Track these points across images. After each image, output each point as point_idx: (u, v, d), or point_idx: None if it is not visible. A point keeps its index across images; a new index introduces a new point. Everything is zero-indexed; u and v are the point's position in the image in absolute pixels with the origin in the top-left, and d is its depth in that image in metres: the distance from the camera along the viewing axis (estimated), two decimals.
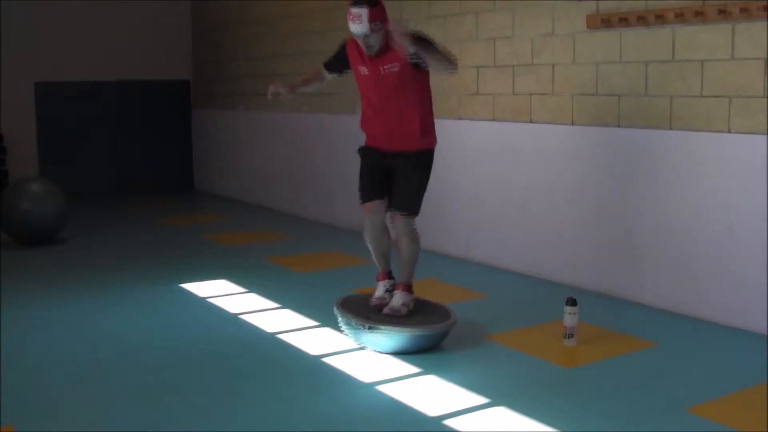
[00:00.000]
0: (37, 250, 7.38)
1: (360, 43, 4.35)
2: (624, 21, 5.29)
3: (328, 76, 4.85)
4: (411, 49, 4.21)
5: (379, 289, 4.68)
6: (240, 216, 9.57)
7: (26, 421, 3.55)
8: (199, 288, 5.94)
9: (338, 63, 4.70)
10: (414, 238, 4.58)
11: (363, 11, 4.22)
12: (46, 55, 10.78)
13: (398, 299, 4.58)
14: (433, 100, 4.65)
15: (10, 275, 6.34)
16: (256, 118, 10.24)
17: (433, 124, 4.64)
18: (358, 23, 4.23)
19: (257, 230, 8.55)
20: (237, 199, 10.77)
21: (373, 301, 4.60)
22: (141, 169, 11.58)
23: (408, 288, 4.63)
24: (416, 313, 4.57)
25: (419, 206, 4.55)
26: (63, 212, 7.58)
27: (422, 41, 4.27)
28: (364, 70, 4.48)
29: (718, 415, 3.57)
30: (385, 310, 4.54)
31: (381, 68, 4.40)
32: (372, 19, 4.22)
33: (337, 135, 8.44)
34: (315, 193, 8.95)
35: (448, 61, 4.36)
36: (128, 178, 11.53)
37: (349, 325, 4.48)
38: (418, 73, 4.43)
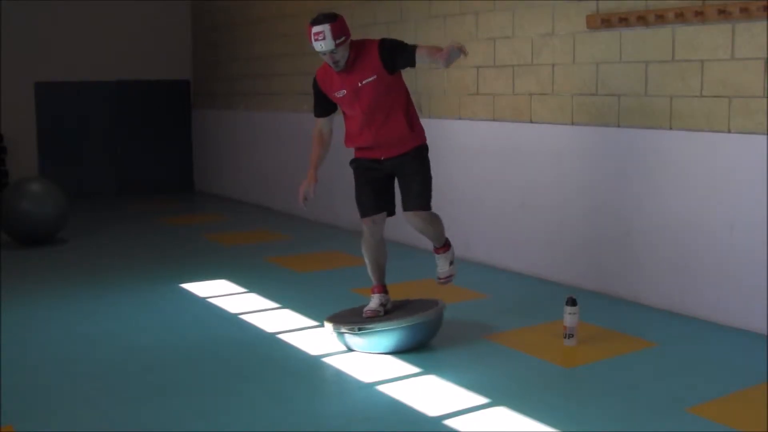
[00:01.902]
0: (37, 250, 7.38)
1: (327, 60, 4.33)
2: (624, 21, 5.29)
3: (326, 126, 4.68)
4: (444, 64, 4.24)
5: (374, 301, 4.63)
6: (240, 216, 9.57)
7: (26, 421, 3.55)
8: (199, 288, 5.94)
9: (323, 102, 4.60)
10: (436, 220, 4.66)
11: (325, 28, 4.20)
12: (46, 55, 10.79)
13: (444, 263, 4.75)
14: (423, 99, 4.66)
15: (10, 275, 6.34)
16: (256, 118, 10.24)
17: (418, 119, 4.64)
18: (321, 41, 4.21)
19: (257, 230, 8.55)
20: (237, 199, 10.77)
21: (367, 312, 4.56)
22: (141, 169, 11.58)
23: (447, 246, 4.76)
24: (403, 309, 4.59)
25: (430, 200, 4.61)
26: (63, 212, 7.58)
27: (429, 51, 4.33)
28: (341, 92, 4.46)
29: (718, 415, 3.57)
30: (440, 280, 4.76)
31: (358, 83, 4.39)
32: (335, 35, 4.21)
33: (336, 135, 8.41)
34: (315, 193, 8.93)
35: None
36: (128, 178, 11.53)
37: (341, 335, 4.48)
38: (394, 75, 4.44)
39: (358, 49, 4.37)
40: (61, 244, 7.68)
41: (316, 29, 4.22)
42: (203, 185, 11.87)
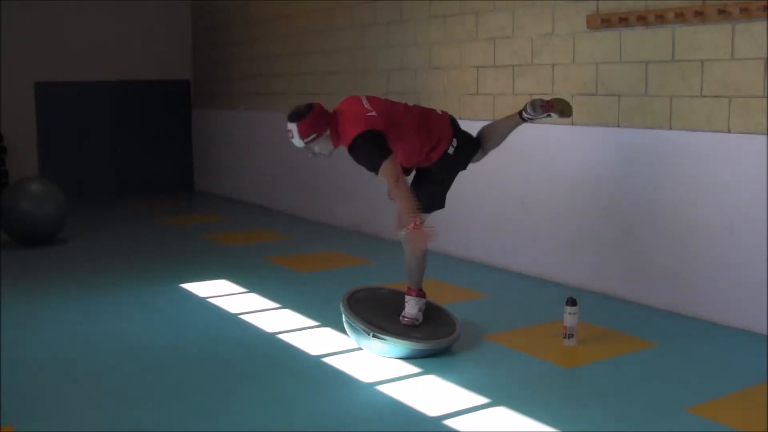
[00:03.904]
0: (37, 250, 7.38)
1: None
2: (624, 21, 5.29)
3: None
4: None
5: (413, 307, 4.55)
6: (240, 216, 9.57)
7: (26, 421, 3.55)
8: (199, 288, 5.94)
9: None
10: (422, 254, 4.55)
11: (293, 127, 4.16)
12: (46, 55, 10.78)
13: (413, 307, 4.54)
14: (423, 99, 4.58)
15: (10, 275, 6.34)
16: (256, 118, 10.24)
17: (422, 147, 4.42)
18: (291, 138, 4.19)
19: (257, 230, 8.55)
20: (237, 199, 10.78)
21: (404, 320, 4.51)
22: (141, 169, 11.58)
23: (419, 292, 4.58)
24: (421, 325, 4.53)
25: (428, 205, 4.49)
26: (63, 212, 7.58)
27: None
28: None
29: (718, 415, 3.57)
30: (404, 321, 4.50)
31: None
32: (303, 134, 4.15)
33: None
34: (315, 193, 8.96)
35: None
36: (128, 178, 11.53)
37: (353, 328, 4.47)
38: None
39: (336, 131, 4.22)
40: (61, 244, 7.68)
41: (287, 126, 4.19)
42: (203, 185, 11.87)
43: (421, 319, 4.53)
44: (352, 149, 4.21)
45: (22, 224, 7.38)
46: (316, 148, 4.24)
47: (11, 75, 10.52)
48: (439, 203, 4.59)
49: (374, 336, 4.30)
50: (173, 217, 9.47)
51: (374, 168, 4.14)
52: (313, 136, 4.17)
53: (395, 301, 4.69)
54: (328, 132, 4.23)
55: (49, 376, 4.15)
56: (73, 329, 4.97)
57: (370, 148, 4.15)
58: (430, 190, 4.53)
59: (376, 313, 4.51)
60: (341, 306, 4.55)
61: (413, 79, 7.22)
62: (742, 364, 4.25)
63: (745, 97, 4.71)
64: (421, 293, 4.59)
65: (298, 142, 4.18)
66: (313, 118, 4.18)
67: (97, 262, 6.94)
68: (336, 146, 4.31)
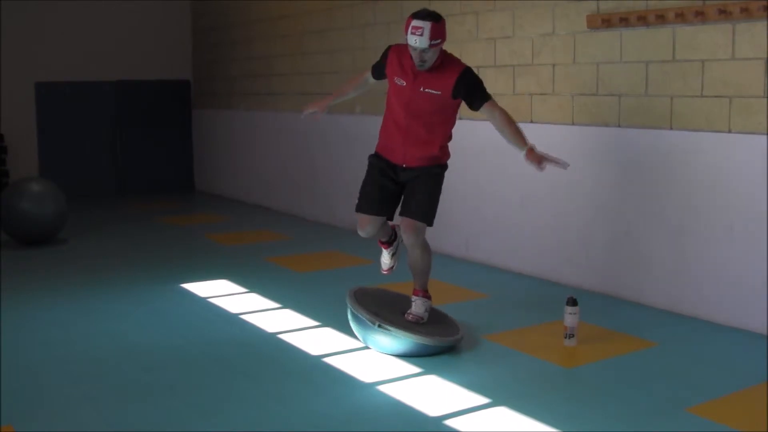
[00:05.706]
0: (37, 250, 7.38)
1: (414, 56, 4.24)
2: (624, 21, 5.29)
3: (371, 81, 4.73)
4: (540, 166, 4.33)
5: (419, 307, 4.57)
6: (240, 216, 9.57)
7: (26, 421, 3.55)
8: (200, 288, 5.94)
9: (381, 68, 4.57)
10: (426, 248, 4.55)
11: (426, 25, 4.12)
12: (46, 55, 10.79)
13: (420, 306, 4.56)
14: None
15: (10, 275, 6.34)
16: (256, 118, 10.24)
17: (448, 143, 4.58)
18: (418, 36, 4.13)
19: (257, 230, 8.55)
20: (237, 199, 10.78)
21: (409, 316, 4.53)
22: (141, 169, 11.58)
23: (426, 293, 4.61)
24: (426, 323, 4.54)
25: (432, 217, 4.49)
26: (63, 212, 7.58)
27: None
28: (401, 81, 4.39)
29: (718, 415, 3.57)
30: (410, 317, 4.50)
31: (421, 87, 4.32)
32: (433, 35, 4.13)
33: (336, 135, 8.44)
34: (315, 193, 8.96)
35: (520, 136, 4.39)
36: (128, 178, 11.53)
37: (358, 319, 4.45)
38: (454, 101, 4.38)
39: (443, 59, 4.32)
40: (61, 244, 7.68)
41: (416, 23, 4.15)
42: (203, 185, 11.87)
43: (426, 319, 4.54)
44: (467, 75, 4.32)
45: (22, 224, 7.38)
46: (430, 53, 4.21)
47: (11, 75, 10.52)
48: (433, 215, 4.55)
49: (379, 326, 4.30)
50: (173, 217, 9.47)
51: (487, 94, 4.37)
52: (439, 41, 4.18)
53: (401, 302, 4.71)
54: (442, 45, 4.27)
55: (49, 376, 4.15)
56: (73, 329, 4.97)
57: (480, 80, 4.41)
58: (432, 195, 4.51)
59: (382, 307, 4.52)
60: (347, 298, 4.55)
61: None
62: (742, 364, 4.25)
63: (745, 97, 4.72)
64: (427, 294, 4.60)
65: (423, 41, 4.12)
66: (444, 25, 4.25)
67: (97, 262, 6.95)
68: (435, 62, 4.28)
